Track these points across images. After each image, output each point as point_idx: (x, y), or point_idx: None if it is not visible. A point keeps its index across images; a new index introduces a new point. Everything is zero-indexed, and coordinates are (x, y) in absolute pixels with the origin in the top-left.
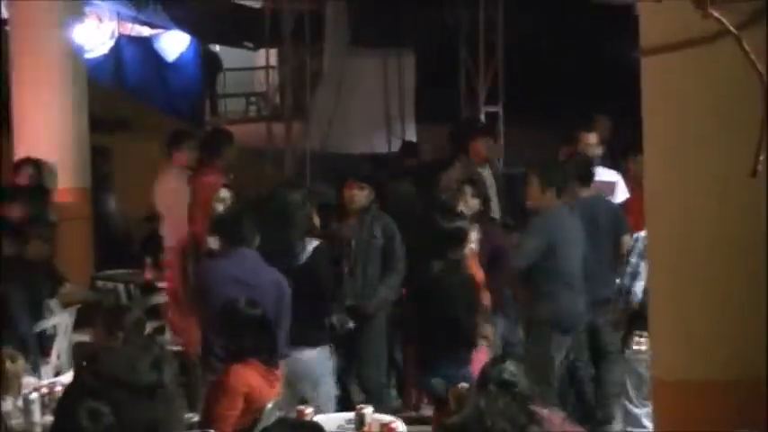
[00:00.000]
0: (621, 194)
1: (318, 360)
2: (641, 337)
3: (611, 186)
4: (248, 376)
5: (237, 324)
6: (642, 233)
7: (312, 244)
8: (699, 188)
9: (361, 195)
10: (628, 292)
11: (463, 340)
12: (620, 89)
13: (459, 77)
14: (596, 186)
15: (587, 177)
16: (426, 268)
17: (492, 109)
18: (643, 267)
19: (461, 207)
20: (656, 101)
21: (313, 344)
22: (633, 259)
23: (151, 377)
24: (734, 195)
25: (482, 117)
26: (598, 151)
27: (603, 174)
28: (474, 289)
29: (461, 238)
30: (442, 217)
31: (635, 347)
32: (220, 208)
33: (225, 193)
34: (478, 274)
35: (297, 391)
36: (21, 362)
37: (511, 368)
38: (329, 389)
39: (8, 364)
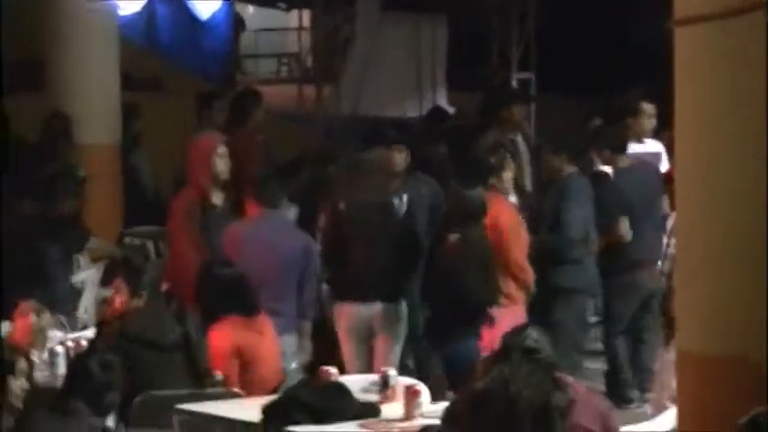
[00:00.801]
0: (663, 165)
1: (401, 314)
2: None
3: (657, 157)
4: (230, 334)
5: (213, 285)
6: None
7: (404, 198)
8: (728, 162)
9: (400, 158)
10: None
11: (476, 311)
12: (656, 58)
13: (491, 43)
14: (643, 158)
15: (619, 147)
16: (445, 235)
17: (524, 76)
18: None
19: (506, 172)
20: (687, 73)
21: (389, 298)
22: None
23: (176, 333)
24: (764, 170)
25: (514, 84)
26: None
27: (650, 145)
28: (491, 258)
29: (482, 207)
30: (465, 185)
31: None
32: (221, 165)
33: (222, 150)
34: (517, 244)
35: (367, 347)
36: (46, 316)
37: (534, 335)
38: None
39: (34, 319)
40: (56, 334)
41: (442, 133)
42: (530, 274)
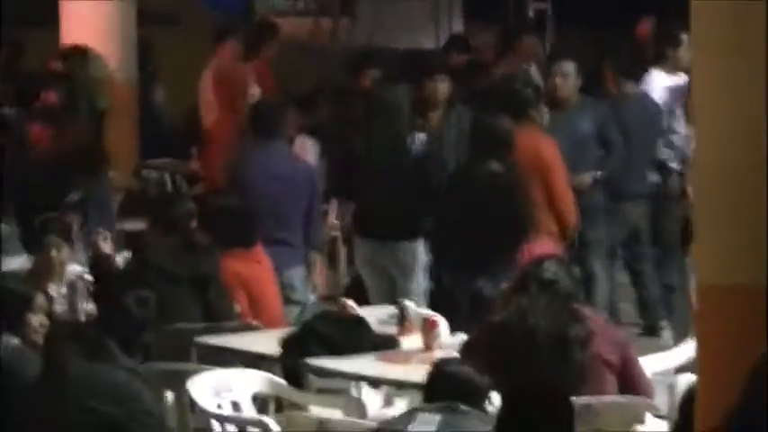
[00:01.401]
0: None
1: (418, 252)
2: None
3: (681, 90)
4: (234, 266)
5: (210, 216)
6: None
7: (420, 136)
8: (746, 93)
9: (444, 87)
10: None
11: (512, 241)
12: None
13: None
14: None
15: (632, 73)
16: (477, 167)
17: (541, 6)
18: None
19: (540, 104)
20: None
21: (414, 236)
22: None
23: (196, 266)
24: None
25: (530, 14)
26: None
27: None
28: (526, 186)
29: (511, 135)
30: (495, 115)
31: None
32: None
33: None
34: (560, 174)
35: (392, 282)
36: (65, 250)
37: (552, 267)
38: (422, 281)
39: (53, 252)
40: (75, 268)
41: (461, 65)
42: (572, 209)
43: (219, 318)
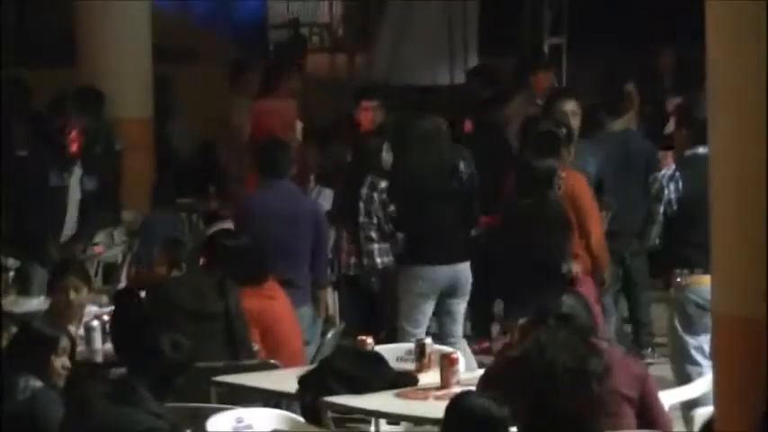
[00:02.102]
0: None
1: (468, 273)
2: (683, 274)
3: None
4: (246, 303)
5: (221, 257)
6: (660, 173)
7: (460, 163)
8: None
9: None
10: (643, 236)
11: (551, 277)
12: (688, 21)
13: (523, 8)
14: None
15: (615, 108)
16: (517, 206)
17: (556, 41)
18: (659, 210)
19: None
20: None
21: (465, 257)
22: (652, 204)
23: (217, 304)
24: None
25: (545, 49)
26: None
27: None
28: (566, 226)
29: (551, 177)
30: (534, 155)
31: (679, 283)
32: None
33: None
34: (594, 215)
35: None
36: (84, 291)
37: (569, 302)
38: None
39: (72, 294)
40: (91, 308)
41: (487, 98)
42: (605, 249)
43: (245, 353)
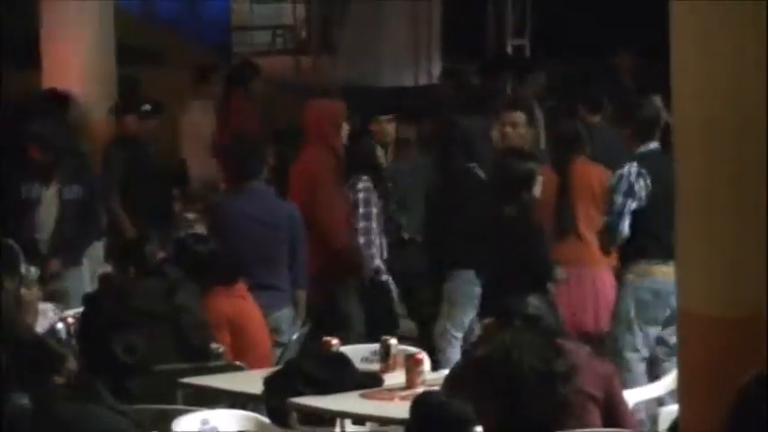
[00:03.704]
0: None
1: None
2: (642, 263)
3: None
4: (217, 305)
5: (190, 260)
6: (625, 170)
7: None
8: (726, 123)
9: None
10: (614, 229)
11: (535, 283)
12: (651, 20)
13: (486, 10)
14: None
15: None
16: (498, 210)
17: (519, 42)
18: (629, 205)
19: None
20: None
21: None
22: (618, 198)
23: (165, 305)
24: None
25: (509, 50)
26: None
27: None
28: (542, 232)
29: (532, 179)
30: (514, 157)
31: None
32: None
33: None
34: None
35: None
36: (35, 289)
37: (535, 302)
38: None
39: (23, 291)
40: (45, 306)
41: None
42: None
43: (196, 355)
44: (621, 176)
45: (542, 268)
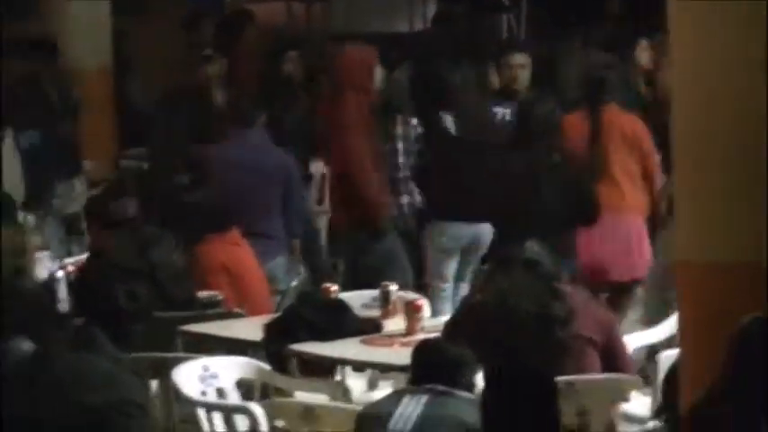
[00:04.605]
0: None
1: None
2: None
3: None
4: (213, 251)
5: (183, 210)
6: None
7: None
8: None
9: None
10: None
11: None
12: None
13: None
14: None
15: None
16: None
17: None
18: None
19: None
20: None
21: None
22: None
23: (142, 261)
24: (757, 82)
25: None
26: None
27: None
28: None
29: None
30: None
31: None
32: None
33: None
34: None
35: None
36: (33, 237)
37: (534, 247)
38: None
39: (22, 239)
40: (44, 254)
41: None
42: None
43: (180, 307)
44: None
45: (589, 207)
